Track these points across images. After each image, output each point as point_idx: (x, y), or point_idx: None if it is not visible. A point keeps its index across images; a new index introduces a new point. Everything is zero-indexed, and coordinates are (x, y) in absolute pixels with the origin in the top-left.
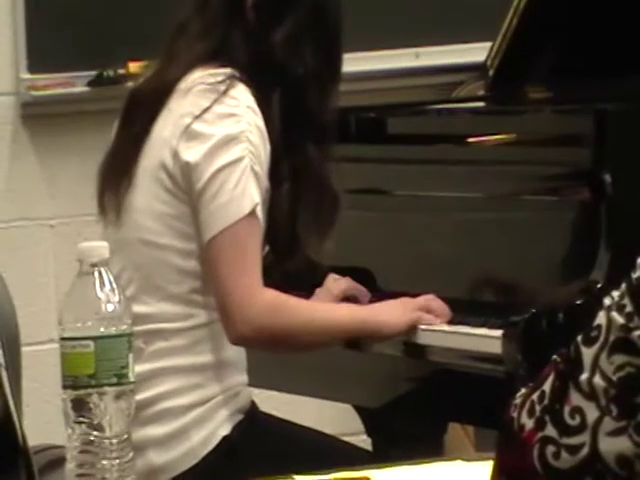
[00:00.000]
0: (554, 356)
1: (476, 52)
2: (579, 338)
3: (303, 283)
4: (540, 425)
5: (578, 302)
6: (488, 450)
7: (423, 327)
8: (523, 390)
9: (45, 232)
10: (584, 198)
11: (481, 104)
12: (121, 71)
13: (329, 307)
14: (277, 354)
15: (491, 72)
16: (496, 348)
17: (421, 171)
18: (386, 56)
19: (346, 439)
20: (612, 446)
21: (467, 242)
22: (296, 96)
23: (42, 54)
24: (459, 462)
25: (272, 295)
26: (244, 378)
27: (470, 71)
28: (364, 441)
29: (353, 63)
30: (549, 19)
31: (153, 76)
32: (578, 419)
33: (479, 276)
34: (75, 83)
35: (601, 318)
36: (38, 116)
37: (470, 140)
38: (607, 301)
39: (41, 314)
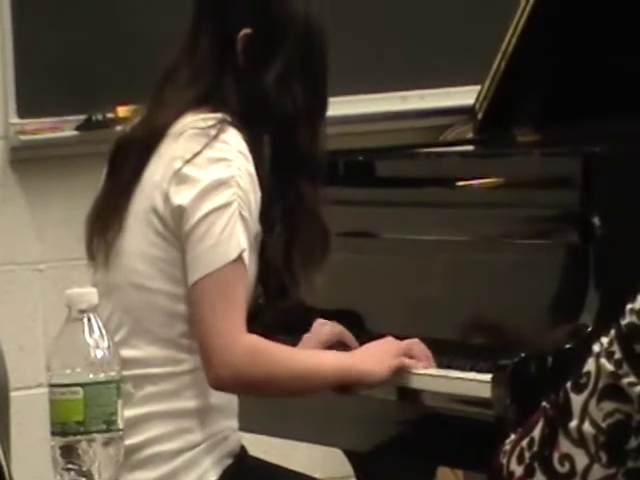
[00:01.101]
0: (543, 403)
1: (464, 95)
2: (568, 385)
3: (291, 328)
4: (529, 472)
5: (567, 346)
6: None
7: (413, 371)
8: (512, 436)
9: (33, 276)
10: (572, 241)
11: (470, 147)
12: (110, 115)
13: (311, 354)
14: (260, 398)
15: (479, 115)
16: (485, 392)
17: (410, 214)
18: (373, 99)
19: None
20: None
21: (456, 285)
22: (287, 135)
23: (31, 98)
24: None
25: (253, 340)
26: (233, 423)
27: (457, 114)
28: None
29: (341, 106)
30: (536, 63)
31: (141, 123)
32: (567, 466)
33: (468, 319)
34: (64, 127)
35: (590, 365)
36: (27, 160)
37: (459, 183)
38: (596, 348)
39: (29, 358)
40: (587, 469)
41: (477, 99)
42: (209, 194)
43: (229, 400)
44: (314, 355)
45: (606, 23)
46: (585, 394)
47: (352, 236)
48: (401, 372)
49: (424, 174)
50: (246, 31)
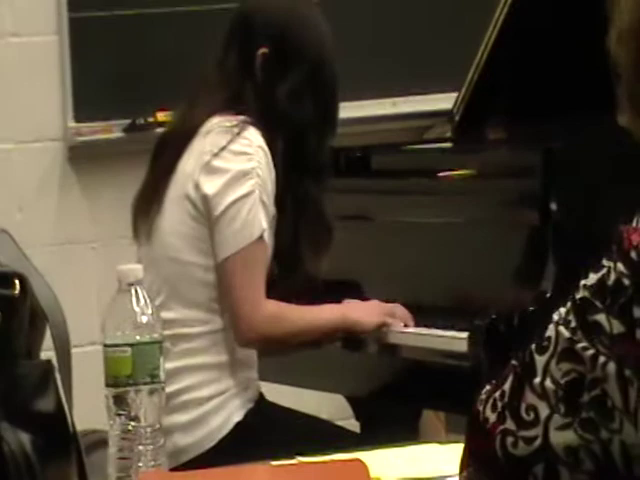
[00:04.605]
0: (512, 361)
1: (443, 100)
2: (533, 346)
3: (300, 294)
4: (501, 419)
5: (531, 308)
6: (457, 432)
7: (402, 330)
8: (487, 387)
9: (88, 253)
10: (534, 222)
11: (448, 144)
12: (150, 119)
13: (317, 309)
14: (279, 354)
15: (457, 117)
16: (462, 347)
17: (398, 200)
18: (369, 105)
19: (339, 423)
20: (560, 438)
21: (437, 259)
22: (297, 141)
23: (85, 106)
24: (435, 445)
25: (273, 305)
26: (254, 374)
27: (438, 116)
28: (353, 425)
29: (342, 111)
30: (504, 72)
31: (177, 122)
32: (532, 415)
33: (447, 287)
34: (113, 130)
35: (551, 331)
36: (82, 157)
37: (439, 174)
38: (555, 317)
39: (85, 322)
40: (548, 418)
41: (455, 104)
42: (234, 184)
43: (250, 355)
44: (319, 310)
45: (563, 33)
46: (547, 355)
47: (350, 219)
48: (391, 331)
49: (410, 167)
50: (264, 50)
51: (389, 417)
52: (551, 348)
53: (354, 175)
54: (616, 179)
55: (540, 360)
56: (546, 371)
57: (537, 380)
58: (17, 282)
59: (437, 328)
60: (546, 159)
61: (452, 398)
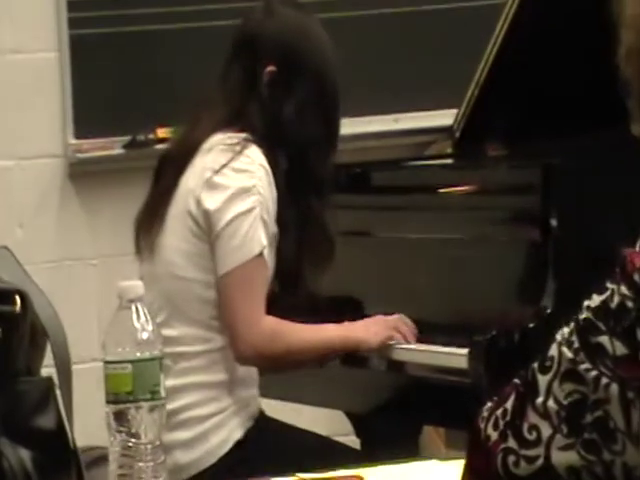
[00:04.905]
0: (515, 379)
1: (444, 117)
2: (535, 365)
3: (300, 310)
4: (503, 437)
5: (531, 325)
6: (457, 448)
7: (403, 346)
8: (489, 404)
9: (88, 270)
10: (534, 238)
11: (449, 160)
12: (150, 136)
13: (318, 328)
14: (277, 372)
15: (457, 134)
16: (462, 363)
17: (399, 216)
18: (370, 121)
19: (339, 439)
20: (562, 458)
21: (438, 274)
22: (301, 158)
23: (86, 122)
24: (434, 461)
25: (271, 322)
26: (254, 391)
27: (439, 133)
28: (353, 441)
29: (343, 127)
30: (504, 90)
31: (181, 139)
32: (535, 434)
33: (448, 303)
34: (113, 146)
35: (554, 350)
36: (82, 173)
37: (440, 190)
38: (558, 337)
39: (86, 339)
40: (551, 438)
41: (455, 120)
42: (235, 200)
43: (251, 373)
44: (320, 329)
45: (563, 50)
46: (549, 375)
47: (352, 235)
48: (392, 347)
49: (411, 182)
50: (271, 68)
51: (389, 433)
52: (554, 368)
53: (355, 191)
54: (616, 195)
55: (543, 380)
56: (549, 391)
57: (540, 400)
58: (18, 298)
59: (437, 344)
60: (546, 175)
61: (452, 414)
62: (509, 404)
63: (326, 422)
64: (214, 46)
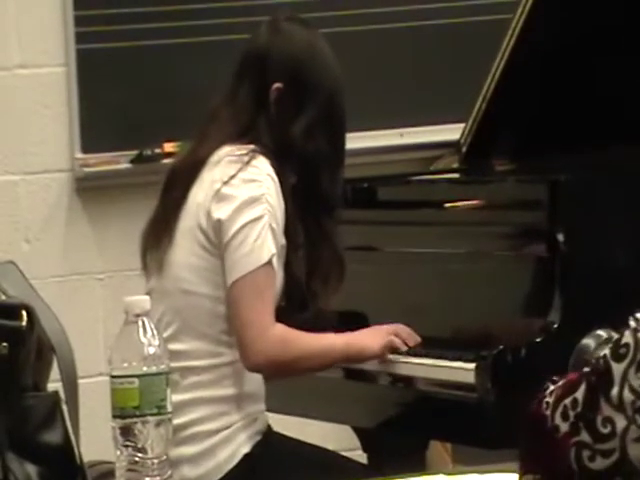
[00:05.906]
0: (584, 368)
1: (451, 132)
2: (607, 352)
3: (308, 324)
4: (575, 430)
5: (538, 340)
6: (463, 463)
7: (408, 360)
8: (551, 388)
9: (95, 285)
10: (541, 253)
11: (455, 175)
12: (157, 150)
13: (323, 336)
14: (284, 378)
15: (464, 148)
16: (469, 378)
17: (405, 231)
18: (376, 135)
19: (345, 454)
20: (637, 451)
21: (445, 289)
22: (309, 176)
23: (92, 137)
24: (442, 476)
25: (281, 330)
26: (262, 406)
27: (445, 147)
28: (360, 456)
29: (349, 141)
30: (511, 105)
31: (188, 154)
32: (609, 427)
33: (455, 317)
34: (119, 161)
35: (628, 337)
36: (89, 188)
37: (446, 205)
38: (633, 323)
39: (93, 353)
40: (625, 430)
41: (462, 135)
42: (244, 209)
43: (259, 388)
44: (325, 336)
45: (570, 65)
46: (625, 363)
47: (358, 249)
48: (399, 362)
49: (418, 197)
50: (278, 85)
51: (396, 448)
52: (629, 355)
53: (361, 206)
54: (622, 210)
55: (617, 368)
56: (624, 380)
57: (615, 391)
58: (24, 313)
59: (444, 359)
60: (553, 191)
61: (459, 429)
62: (579, 394)
63: (333, 437)
64: (222, 61)
